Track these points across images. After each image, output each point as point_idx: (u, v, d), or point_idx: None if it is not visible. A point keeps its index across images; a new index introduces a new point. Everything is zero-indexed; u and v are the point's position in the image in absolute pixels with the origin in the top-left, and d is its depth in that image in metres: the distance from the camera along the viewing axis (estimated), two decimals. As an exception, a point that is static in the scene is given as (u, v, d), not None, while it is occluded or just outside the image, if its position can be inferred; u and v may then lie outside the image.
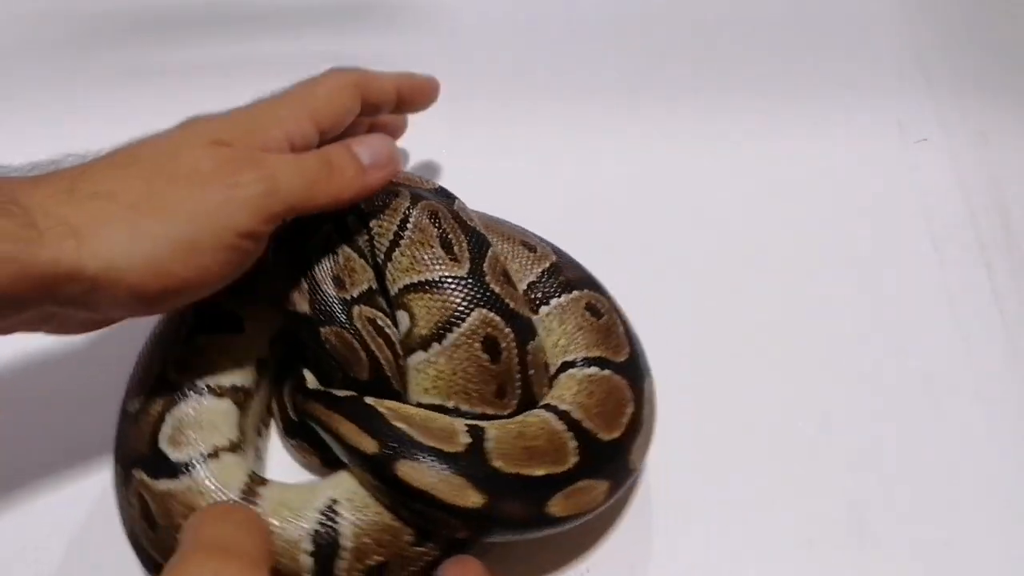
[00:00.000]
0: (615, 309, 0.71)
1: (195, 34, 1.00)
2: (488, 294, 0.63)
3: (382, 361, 0.63)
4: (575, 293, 0.70)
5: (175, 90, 0.95)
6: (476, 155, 0.87)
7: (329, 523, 0.58)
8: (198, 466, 0.60)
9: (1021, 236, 0.87)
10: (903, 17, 1.04)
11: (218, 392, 0.64)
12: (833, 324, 0.81)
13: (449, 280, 0.63)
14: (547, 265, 0.71)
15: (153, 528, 0.60)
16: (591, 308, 0.69)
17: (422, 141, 0.88)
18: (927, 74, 0.99)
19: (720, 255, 0.84)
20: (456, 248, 0.65)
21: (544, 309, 0.69)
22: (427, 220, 0.65)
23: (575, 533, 0.67)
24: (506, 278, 0.66)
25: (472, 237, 0.66)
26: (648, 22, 1.03)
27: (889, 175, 0.91)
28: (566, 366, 0.67)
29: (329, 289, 0.63)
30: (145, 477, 0.61)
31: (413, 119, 0.80)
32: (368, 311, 0.64)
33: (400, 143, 0.78)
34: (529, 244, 0.73)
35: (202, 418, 0.62)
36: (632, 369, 0.67)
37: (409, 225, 0.65)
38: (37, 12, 1.01)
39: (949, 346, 0.80)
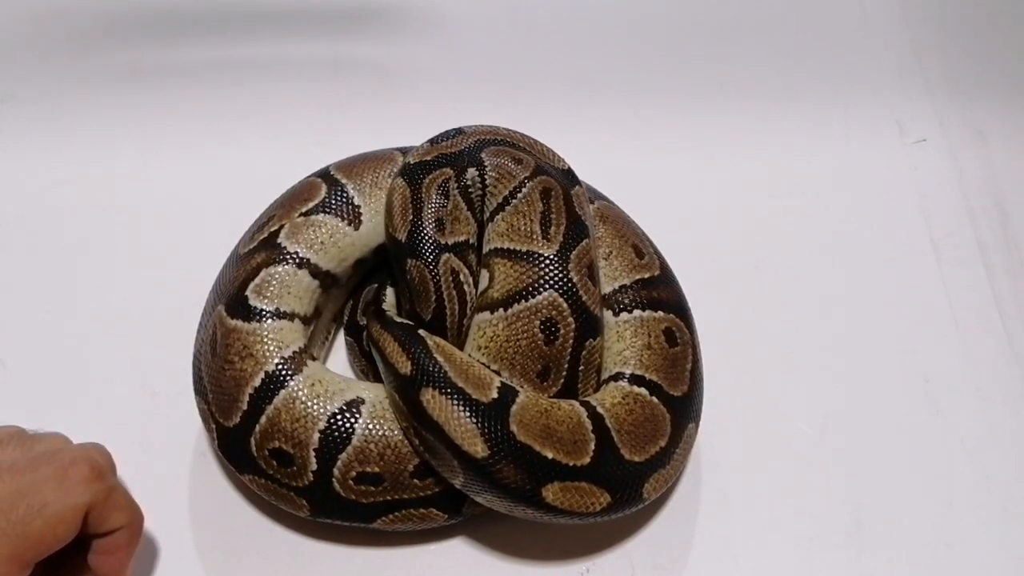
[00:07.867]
0: (692, 345, 0.70)
1: (196, 34, 1.00)
2: (564, 280, 0.64)
3: (447, 311, 0.66)
4: (659, 313, 0.69)
5: (176, 90, 0.96)
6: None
7: (349, 416, 0.62)
8: (268, 319, 0.66)
9: (1021, 236, 0.87)
10: (903, 17, 1.04)
11: (313, 271, 0.69)
12: (833, 324, 0.81)
13: (533, 256, 0.65)
14: (646, 276, 0.71)
15: (213, 355, 0.66)
16: (668, 334, 0.69)
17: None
18: (927, 74, 0.99)
19: (719, 254, 0.84)
20: (553, 229, 0.66)
21: (624, 315, 0.69)
22: (537, 195, 0.67)
23: (576, 532, 0.68)
24: (590, 272, 0.66)
25: (573, 224, 0.67)
26: (649, 23, 1.03)
27: (889, 175, 0.91)
28: (619, 376, 0.67)
29: (429, 228, 0.66)
30: (223, 311, 0.67)
31: (415, 119, 0.79)
32: (455, 262, 0.67)
33: (401, 142, 0.78)
34: (640, 250, 0.72)
35: (290, 284, 0.68)
36: (682, 408, 0.66)
37: (520, 194, 0.67)
38: (37, 12, 1.01)
39: (949, 346, 0.80)
